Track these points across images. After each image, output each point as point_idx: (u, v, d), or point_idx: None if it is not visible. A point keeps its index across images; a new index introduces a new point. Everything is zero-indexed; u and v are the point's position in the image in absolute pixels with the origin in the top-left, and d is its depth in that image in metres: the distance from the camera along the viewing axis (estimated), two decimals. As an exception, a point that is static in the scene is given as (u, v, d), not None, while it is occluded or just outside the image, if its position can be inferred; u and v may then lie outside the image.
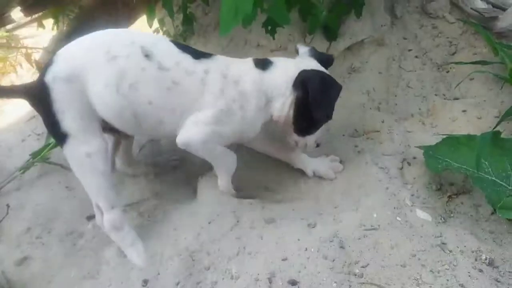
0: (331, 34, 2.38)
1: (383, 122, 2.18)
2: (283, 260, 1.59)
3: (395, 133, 2.12)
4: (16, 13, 3.12)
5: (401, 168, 1.96)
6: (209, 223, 1.75)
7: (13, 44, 3.67)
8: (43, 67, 1.61)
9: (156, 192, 2.05)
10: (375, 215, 1.72)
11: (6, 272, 1.68)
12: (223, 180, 1.84)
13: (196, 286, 1.54)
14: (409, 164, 1.97)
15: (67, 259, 1.74)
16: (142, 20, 3.19)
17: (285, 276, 1.52)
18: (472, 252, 1.51)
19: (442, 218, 1.71)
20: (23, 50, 3.50)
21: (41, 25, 3.54)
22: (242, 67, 1.72)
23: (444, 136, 1.83)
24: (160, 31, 2.68)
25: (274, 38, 2.07)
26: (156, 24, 2.69)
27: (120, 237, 1.63)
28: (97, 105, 1.57)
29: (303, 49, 1.88)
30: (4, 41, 3.81)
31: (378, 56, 2.41)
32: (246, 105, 1.70)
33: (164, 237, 1.72)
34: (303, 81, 1.68)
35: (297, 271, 1.53)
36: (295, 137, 1.85)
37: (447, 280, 1.43)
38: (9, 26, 5.19)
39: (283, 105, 1.74)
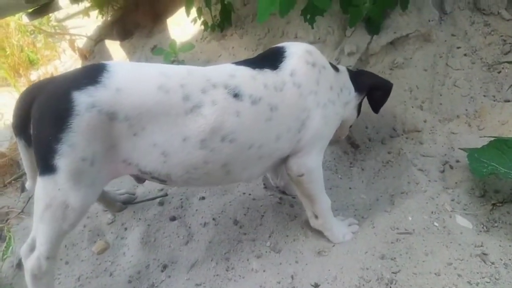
0: (373, 27, 2.26)
1: (425, 122, 2.05)
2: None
3: (438, 134, 1.99)
4: (63, 1, 3.21)
5: (443, 171, 1.83)
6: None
7: (56, 30, 3.79)
8: (75, 73, 1.23)
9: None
10: (410, 219, 1.61)
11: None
12: (327, 218, 1.56)
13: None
14: (451, 167, 1.83)
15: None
16: (181, 12, 3.20)
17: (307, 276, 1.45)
18: (518, 266, 1.37)
19: (485, 227, 1.56)
20: (68, 37, 3.61)
21: (86, 14, 3.66)
22: (321, 55, 1.54)
23: (492, 139, 1.68)
24: (198, 20, 2.66)
25: (313, 27, 1.98)
26: (194, 13, 2.67)
27: (33, 285, 1.30)
28: (146, 158, 1.23)
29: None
30: (53, 30, 3.97)
31: (424, 52, 2.26)
32: (340, 93, 1.56)
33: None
34: (371, 85, 1.71)
35: (319, 271, 1.46)
36: (347, 131, 1.90)
37: (487, 294, 1.31)
38: (59, 16, 5.45)
39: (353, 108, 1.72)
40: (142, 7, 3.57)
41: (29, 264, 1.27)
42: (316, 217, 1.56)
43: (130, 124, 1.17)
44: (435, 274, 1.39)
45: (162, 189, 1.91)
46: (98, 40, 3.43)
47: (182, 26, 3.03)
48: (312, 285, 1.43)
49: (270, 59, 1.43)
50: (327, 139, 1.51)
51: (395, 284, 1.39)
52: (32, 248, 1.29)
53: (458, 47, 2.25)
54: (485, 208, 1.63)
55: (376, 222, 1.62)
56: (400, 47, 2.29)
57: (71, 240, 1.71)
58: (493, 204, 1.63)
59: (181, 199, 1.85)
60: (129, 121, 1.17)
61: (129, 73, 1.20)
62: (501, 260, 1.42)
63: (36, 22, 4.15)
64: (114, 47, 3.28)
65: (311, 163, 1.45)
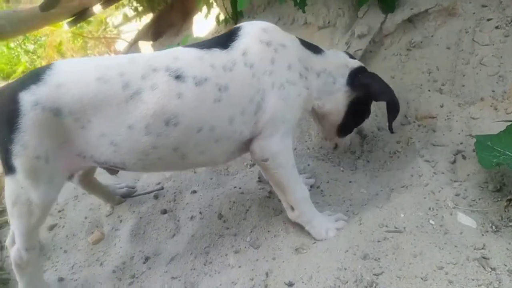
0: (387, 5, 2.05)
1: (441, 106, 1.81)
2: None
3: (455, 119, 1.74)
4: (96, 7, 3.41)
5: (453, 162, 1.60)
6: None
7: (98, 34, 4.04)
8: (25, 76, 1.27)
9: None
10: (402, 216, 1.43)
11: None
12: (304, 210, 1.45)
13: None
14: (464, 157, 1.59)
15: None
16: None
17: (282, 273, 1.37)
18: (524, 274, 1.14)
19: (494, 227, 1.34)
20: (109, 41, 3.83)
21: (125, 17, 3.87)
22: (282, 33, 1.45)
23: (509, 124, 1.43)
24: (209, 14, 2.65)
25: (304, 11, 1.86)
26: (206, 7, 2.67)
27: (21, 276, 1.39)
28: (97, 149, 1.25)
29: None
30: (90, 35, 4.25)
31: (448, 28, 2.00)
32: (317, 78, 1.46)
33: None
34: (365, 85, 1.53)
35: (295, 269, 1.36)
36: (337, 139, 1.74)
37: (479, 304, 1.11)
38: (116, 22, 5.82)
39: (337, 101, 1.55)
40: (175, 7, 3.67)
41: (12, 255, 1.37)
42: (292, 208, 1.47)
43: (75, 118, 1.20)
44: (422, 278, 1.22)
45: (159, 183, 1.94)
46: (134, 41, 3.61)
47: (203, 22, 3.05)
48: (286, 284, 1.34)
49: (223, 39, 1.39)
50: (291, 122, 1.40)
51: (375, 287, 1.24)
52: (14, 240, 1.38)
53: (489, 19, 1.95)
54: (498, 205, 1.39)
55: (364, 219, 1.46)
56: (419, 25, 2.06)
57: (72, 231, 1.82)
58: (509, 200, 1.38)
59: (174, 192, 1.86)
60: (74, 115, 1.20)
61: (70, 69, 1.24)
62: (505, 266, 1.20)
63: (91, 27, 4.49)
64: (146, 47, 3.42)
65: (275, 147, 1.36)
